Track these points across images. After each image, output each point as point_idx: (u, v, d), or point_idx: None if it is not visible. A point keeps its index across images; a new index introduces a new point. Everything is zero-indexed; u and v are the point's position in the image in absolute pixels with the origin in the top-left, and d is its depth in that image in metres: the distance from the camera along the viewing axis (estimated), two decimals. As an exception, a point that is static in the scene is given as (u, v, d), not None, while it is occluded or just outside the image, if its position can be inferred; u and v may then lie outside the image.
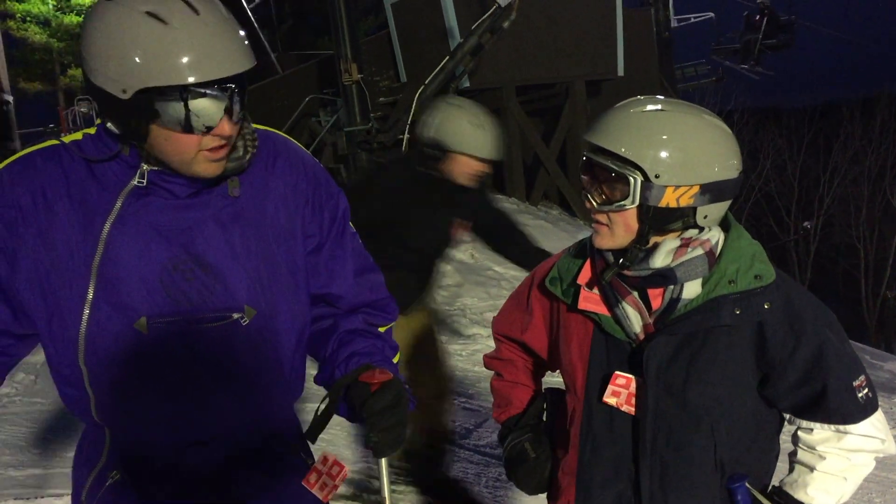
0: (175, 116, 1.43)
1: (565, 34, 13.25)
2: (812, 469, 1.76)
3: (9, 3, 27.57)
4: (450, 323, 8.22)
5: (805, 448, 1.78)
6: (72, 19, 28.44)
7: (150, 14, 1.40)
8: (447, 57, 10.96)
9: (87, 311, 1.53)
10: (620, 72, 14.07)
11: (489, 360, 2.17)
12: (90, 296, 1.52)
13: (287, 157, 1.70)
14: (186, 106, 1.42)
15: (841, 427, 1.72)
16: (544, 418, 2.02)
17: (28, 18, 28.26)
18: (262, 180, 1.65)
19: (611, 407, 1.75)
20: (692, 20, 21.66)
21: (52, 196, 1.53)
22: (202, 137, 1.47)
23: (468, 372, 7.03)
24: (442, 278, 9.24)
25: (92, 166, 1.55)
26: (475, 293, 9.23)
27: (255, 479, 1.70)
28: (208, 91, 1.43)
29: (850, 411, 1.71)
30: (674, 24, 20.60)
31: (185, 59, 1.40)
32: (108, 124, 1.52)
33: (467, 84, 11.98)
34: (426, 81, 10.85)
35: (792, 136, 25.19)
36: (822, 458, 1.75)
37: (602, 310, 1.76)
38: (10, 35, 27.38)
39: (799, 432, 1.79)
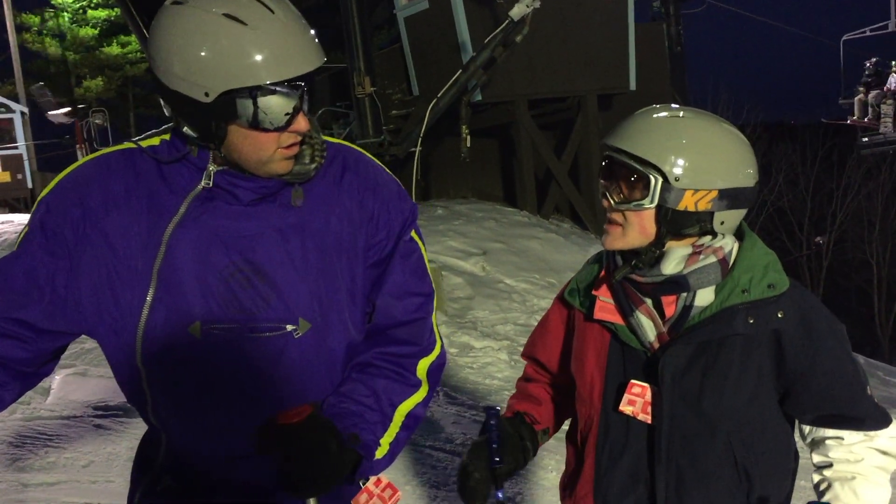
0: (257, 116, 1.46)
1: (578, 48, 13.25)
2: (854, 476, 1.74)
3: (25, 15, 27.85)
4: (461, 336, 8.21)
5: (839, 459, 1.76)
6: (87, 32, 28.70)
7: (227, 16, 1.43)
8: (460, 70, 10.96)
9: (145, 312, 1.54)
10: (632, 86, 14.06)
11: (517, 383, 2.14)
12: (149, 297, 1.54)
13: (356, 171, 1.69)
14: (264, 105, 1.46)
15: (871, 433, 1.74)
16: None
17: (44, 31, 28.53)
18: (328, 193, 1.64)
19: (627, 416, 1.75)
20: None
21: (121, 196, 1.56)
22: (280, 135, 1.50)
23: (479, 385, 7.02)
24: (453, 291, 9.26)
25: (163, 171, 1.57)
26: (486, 306, 9.21)
27: None
28: (284, 89, 1.46)
29: (876, 417, 1.74)
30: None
31: (266, 59, 1.43)
32: (185, 128, 1.54)
33: (479, 98, 11.97)
34: (438, 95, 10.86)
35: (805, 150, 25.10)
36: (859, 459, 1.74)
37: (617, 319, 1.78)
38: (26, 48, 27.64)
39: (827, 442, 1.77)
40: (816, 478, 1.81)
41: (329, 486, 1.52)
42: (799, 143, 25.28)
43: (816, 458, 1.81)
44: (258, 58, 1.43)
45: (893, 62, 19.59)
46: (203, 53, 1.43)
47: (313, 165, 1.60)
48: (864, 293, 24.70)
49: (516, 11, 10.12)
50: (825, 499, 1.76)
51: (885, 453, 1.75)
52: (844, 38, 20.74)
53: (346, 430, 1.56)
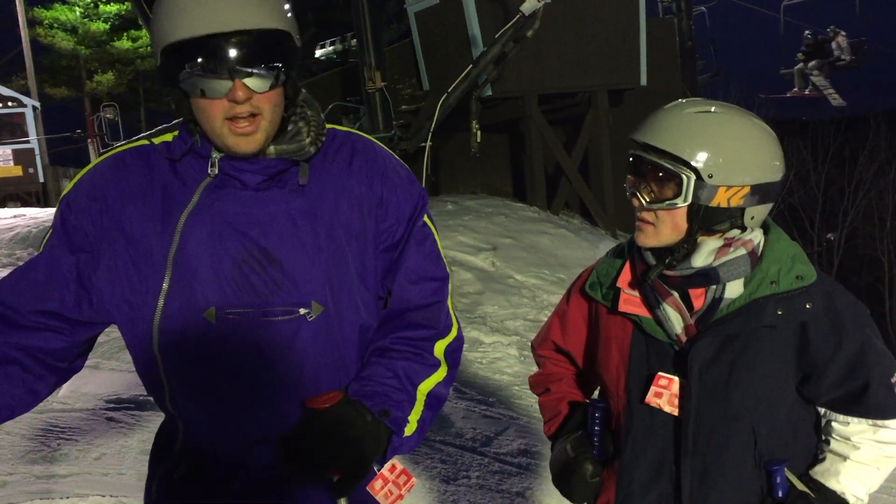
0: (189, 79, 1.48)
1: (588, 44, 13.22)
2: (845, 458, 1.77)
3: (37, 10, 27.93)
4: (470, 331, 8.22)
5: (839, 438, 1.79)
6: (99, 26, 28.78)
7: None
8: (470, 65, 10.95)
9: (161, 301, 1.57)
10: (643, 81, 14.02)
11: (535, 379, 2.14)
12: (165, 286, 1.56)
13: (365, 157, 1.70)
14: (192, 67, 1.46)
15: (878, 421, 1.74)
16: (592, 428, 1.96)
17: (55, 25, 28.62)
18: (338, 178, 1.65)
19: (651, 408, 1.76)
20: None
21: (137, 192, 1.60)
22: (223, 103, 1.49)
23: (489, 380, 7.03)
24: (463, 286, 9.27)
25: (175, 165, 1.60)
26: (496, 301, 9.21)
27: None
28: (211, 53, 1.45)
29: (888, 407, 1.73)
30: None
31: (173, 17, 1.44)
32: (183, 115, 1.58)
33: (490, 93, 11.97)
34: (449, 90, 10.85)
35: (817, 146, 24.95)
36: (856, 447, 1.76)
37: (643, 312, 1.77)
38: (38, 41, 27.74)
39: (833, 423, 1.80)
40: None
41: (369, 461, 1.54)
42: (810, 139, 25.13)
43: (823, 437, 1.83)
44: (169, 16, 1.45)
45: (829, 28, 19.26)
46: (152, 23, 1.48)
47: (307, 139, 1.61)
48: (875, 290, 24.56)
49: (527, 6, 10.11)
50: (816, 475, 1.78)
51: (888, 444, 1.76)
52: (784, 4, 20.18)
53: (375, 409, 1.59)
